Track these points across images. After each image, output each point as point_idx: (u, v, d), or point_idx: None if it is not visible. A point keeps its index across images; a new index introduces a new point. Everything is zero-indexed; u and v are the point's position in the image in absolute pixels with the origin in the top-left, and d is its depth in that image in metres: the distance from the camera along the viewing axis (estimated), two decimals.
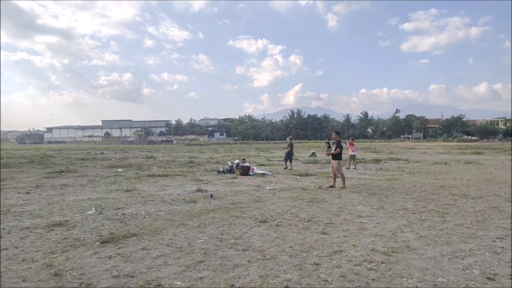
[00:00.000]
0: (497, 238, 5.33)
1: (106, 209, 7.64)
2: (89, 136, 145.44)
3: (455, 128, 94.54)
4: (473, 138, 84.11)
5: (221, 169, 16.50)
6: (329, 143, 14.63)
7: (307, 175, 14.87)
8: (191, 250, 4.88)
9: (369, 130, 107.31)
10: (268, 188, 10.96)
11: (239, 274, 4.04)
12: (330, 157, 11.41)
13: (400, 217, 6.78)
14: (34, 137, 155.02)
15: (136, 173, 15.87)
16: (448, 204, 8.06)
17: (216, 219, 6.70)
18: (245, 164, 15.55)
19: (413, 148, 43.93)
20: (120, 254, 4.74)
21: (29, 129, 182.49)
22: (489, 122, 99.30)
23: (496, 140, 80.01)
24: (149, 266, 4.31)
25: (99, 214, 7.19)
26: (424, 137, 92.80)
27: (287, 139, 19.32)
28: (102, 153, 37.19)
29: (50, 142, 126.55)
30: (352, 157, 19.13)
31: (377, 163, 21.67)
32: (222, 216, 6.89)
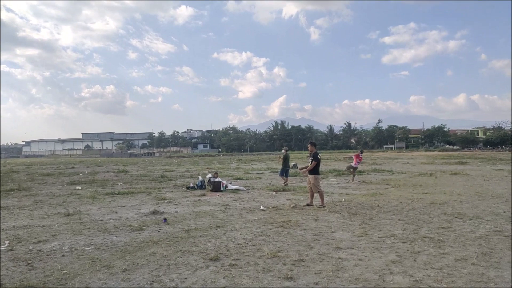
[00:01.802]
0: None
1: (23, 243, 6.08)
2: (68, 150, 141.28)
3: (436, 138, 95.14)
4: (455, 147, 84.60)
5: (191, 185, 15.01)
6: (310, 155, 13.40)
7: (284, 190, 13.51)
8: None
9: (352, 140, 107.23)
10: (236, 207, 9.55)
11: None
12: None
13: (388, 248, 5.45)
14: (11, 151, 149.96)
15: (96, 190, 14.22)
16: (443, 228, 6.78)
17: (155, 256, 5.23)
18: (216, 179, 14.09)
19: (396, 158, 43.21)
20: None
21: (7, 143, 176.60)
22: (469, 131, 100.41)
23: (476, 149, 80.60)
24: None
25: (8, 250, 5.63)
26: (407, 147, 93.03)
27: (283, 150, 17.62)
28: (73, 167, 35.12)
29: (27, 156, 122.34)
30: (352, 168, 17.40)
31: (360, 175, 20.49)
32: (165, 252, 5.43)
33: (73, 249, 5.68)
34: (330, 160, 40.89)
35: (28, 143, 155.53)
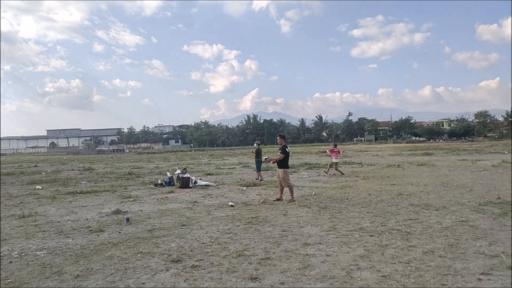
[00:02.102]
0: (481, 274, 4.00)
1: None
2: (32, 148, 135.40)
3: (403, 130, 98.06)
4: (421, 139, 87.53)
5: (159, 182, 14.55)
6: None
7: (254, 185, 13.32)
8: None
9: (324, 133, 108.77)
10: (204, 204, 9.27)
11: None
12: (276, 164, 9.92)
13: (356, 243, 5.34)
14: None
15: (57, 190, 13.51)
16: (410, 219, 6.79)
17: (112, 260, 4.89)
18: (185, 175, 13.72)
19: (366, 151, 44.07)
20: None
21: None
22: (434, 123, 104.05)
23: (441, 140, 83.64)
24: None
25: None
26: (376, 139, 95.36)
27: (254, 144, 16.86)
28: (36, 166, 33.56)
29: None
30: (334, 164, 16.58)
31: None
32: (123, 254, 5.09)
33: (23, 254, 5.24)
34: (302, 154, 41.19)
35: None
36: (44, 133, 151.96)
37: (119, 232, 6.47)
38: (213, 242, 5.62)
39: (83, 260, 4.90)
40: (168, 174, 15.23)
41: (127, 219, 7.44)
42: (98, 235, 6.35)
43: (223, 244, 5.47)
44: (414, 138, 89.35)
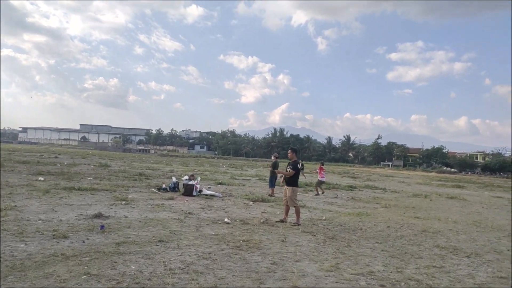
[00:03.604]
0: None
1: None
2: (64, 139, 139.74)
3: (434, 159, 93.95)
4: (452, 170, 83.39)
5: (164, 186, 13.68)
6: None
7: (263, 200, 12.19)
8: None
9: (350, 154, 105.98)
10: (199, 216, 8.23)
11: None
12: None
13: None
14: (7, 136, 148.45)
15: (57, 183, 12.89)
16: (434, 267, 5.48)
17: (49, 279, 3.93)
18: (189, 182, 12.78)
19: (392, 176, 41.90)
20: None
21: (4, 128, 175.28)
22: (468, 155, 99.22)
23: (474, 173, 79.34)
24: None
25: None
26: (404, 165, 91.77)
27: (272, 157, 15.59)
28: (56, 157, 33.74)
29: (20, 142, 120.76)
30: (320, 183, 16.70)
31: (351, 190, 19.21)
32: (66, 274, 4.12)
33: None
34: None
35: (25, 130, 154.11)
36: (77, 127, 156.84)
37: (83, 242, 5.53)
38: (182, 269, 4.55)
39: (13, 276, 3.95)
40: (174, 179, 14.33)
41: (102, 226, 6.51)
42: (58, 242, 5.43)
43: (193, 273, 4.40)
44: (445, 168, 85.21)
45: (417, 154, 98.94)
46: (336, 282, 4.46)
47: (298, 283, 4.29)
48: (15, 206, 8.05)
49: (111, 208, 8.73)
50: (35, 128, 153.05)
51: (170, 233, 6.55)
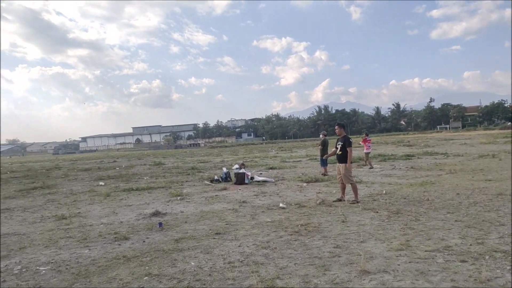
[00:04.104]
0: None
1: None
2: (120, 144, 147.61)
3: (496, 115, 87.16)
4: None
5: (216, 178, 13.76)
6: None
7: (316, 181, 11.82)
8: None
9: (402, 122, 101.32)
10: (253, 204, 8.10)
11: None
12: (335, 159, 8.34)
13: (440, 273, 3.72)
14: (70, 147, 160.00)
15: (116, 186, 13.43)
16: None
17: (112, 284, 3.93)
18: (241, 171, 12.71)
19: (452, 139, 39.36)
20: None
21: (66, 140, 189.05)
22: None
23: None
24: None
25: None
26: (463, 126, 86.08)
27: (320, 135, 15.03)
28: (114, 161, 35.54)
29: (82, 152, 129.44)
30: (366, 155, 16.08)
31: (409, 159, 18.18)
32: (129, 276, 4.11)
33: (24, 270, 4.54)
34: (377, 144, 38.10)
35: (84, 139, 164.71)
36: (130, 131, 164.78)
37: (143, 242, 5.57)
38: (242, 261, 4.39)
39: (80, 282, 4.00)
40: (224, 169, 14.36)
41: (160, 224, 6.56)
42: (119, 244, 5.51)
43: (253, 265, 4.22)
44: (509, 123, 78.71)
45: (475, 113, 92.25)
46: (410, 262, 4.06)
47: (366, 266, 3.95)
48: (79, 212, 8.40)
49: (168, 205, 8.85)
50: (93, 137, 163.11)
51: (226, 224, 6.45)
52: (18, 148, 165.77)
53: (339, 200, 7.99)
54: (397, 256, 4.26)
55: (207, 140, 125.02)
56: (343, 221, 6.10)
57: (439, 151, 22.29)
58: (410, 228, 5.43)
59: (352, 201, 7.73)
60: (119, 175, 18.14)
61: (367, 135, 16.72)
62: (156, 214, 7.61)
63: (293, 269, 4.03)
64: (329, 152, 9.53)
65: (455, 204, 6.99)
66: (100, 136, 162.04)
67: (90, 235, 6.15)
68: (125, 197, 10.63)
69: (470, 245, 4.52)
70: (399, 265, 3.99)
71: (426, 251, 4.39)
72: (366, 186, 10.17)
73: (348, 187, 8.16)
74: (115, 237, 5.90)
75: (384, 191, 8.91)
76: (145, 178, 16.41)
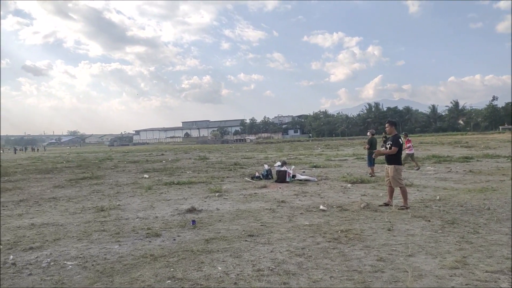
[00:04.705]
0: None
1: (14, 249, 5.14)
2: (170, 137, 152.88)
3: None
4: None
5: (257, 175, 13.49)
6: (386, 137, 10.82)
7: (362, 181, 11.14)
8: None
9: (460, 121, 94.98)
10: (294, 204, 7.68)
11: None
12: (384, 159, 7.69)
13: None
14: (124, 139, 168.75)
15: (159, 179, 13.61)
16: None
17: (133, 285, 3.74)
18: (282, 168, 12.31)
19: None
20: None
21: (121, 132, 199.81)
22: None
23: None
24: None
25: None
26: None
27: (368, 133, 14.62)
28: (162, 154, 36.60)
29: (135, 144, 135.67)
30: (409, 157, 15.21)
31: (468, 162, 16.73)
32: (152, 278, 3.89)
33: (52, 263, 4.50)
34: (432, 144, 35.88)
35: (137, 132, 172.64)
36: (180, 125, 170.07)
37: (174, 240, 5.38)
38: (272, 270, 4.02)
39: (101, 282, 3.86)
40: (266, 166, 14.04)
41: (193, 222, 6.36)
42: (150, 241, 5.37)
43: (284, 275, 3.83)
44: None
45: None
46: (467, 285, 3.46)
47: (414, 286, 3.41)
48: (119, 205, 8.48)
49: (205, 201, 8.69)
50: (145, 130, 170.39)
51: (261, 225, 6.11)
52: (78, 139, 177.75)
53: (386, 204, 7.35)
54: (451, 276, 3.67)
55: (253, 135, 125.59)
56: (389, 229, 5.52)
57: (502, 153, 20.38)
58: (468, 242, 4.75)
59: (401, 206, 7.06)
60: (164, 168, 18.47)
61: (407, 136, 16.12)
62: (191, 210, 7.46)
63: (328, 284, 3.59)
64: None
65: None
66: (152, 130, 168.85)
67: (124, 230, 6.09)
68: (165, 191, 10.66)
69: None
70: (453, 287, 3.41)
71: (486, 271, 3.75)
72: (418, 190, 9.36)
73: (397, 191, 7.49)
74: (147, 233, 5.78)
75: (438, 197, 8.09)
76: (188, 172, 16.54)
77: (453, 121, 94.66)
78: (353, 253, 4.50)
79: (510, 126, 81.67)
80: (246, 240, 5.23)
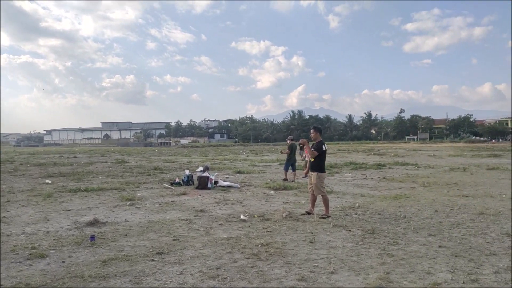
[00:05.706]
0: None
1: None
2: (88, 139, 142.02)
3: (462, 129, 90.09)
4: (482, 138, 79.66)
5: (177, 180, 12.62)
6: (301, 144, 10.74)
7: (284, 188, 10.95)
8: None
9: (372, 131, 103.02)
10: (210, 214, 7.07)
11: None
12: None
13: None
14: (33, 140, 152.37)
15: (63, 186, 12.03)
16: None
17: None
18: (203, 174, 11.64)
19: (420, 150, 39.77)
20: None
21: (30, 132, 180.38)
22: (497, 122, 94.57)
23: (500, 141, 75.38)
24: None
25: None
26: (430, 138, 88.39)
27: (287, 140, 14.66)
28: (74, 157, 33.43)
29: (46, 145, 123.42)
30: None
31: (381, 169, 17.68)
32: None
33: None
34: (348, 152, 37.93)
35: (49, 132, 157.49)
36: (99, 126, 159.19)
37: (62, 262, 4.44)
38: None
39: None
40: (187, 172, 13.23)
41: (92, 237, 5.42)
42: (31, 264, 4.36)
43: None
44: (474, 137, 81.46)
45: (443, 125, 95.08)
46: None
47: None
48: (4, 217, 7.09)
49: (113, 211, 7.68)
50: (59, 130, 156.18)
51: (174, 239, 5.40)
52: None
53: (308, 213, 7.11)
54: None
55: (178, 139, 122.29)
56: (311, 242, 5.20)
57: (409, 161, 22.05)
58: (389, 255, 4.59)
59: (322, 215, 6.86)
60: (72, 173, 16.59)
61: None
62: (93, 223, 6.44)
63: None
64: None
65: (435, 224, 6.26)
66: (67, 130, 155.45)
67: (1, 249, 4.94)
68: (68, 199, 9.33)
69: (463, 282, 3.70)
70: None
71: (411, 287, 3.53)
72: (337, 197, 9.38)
73: (319, 198, 7.30)
74: (30, 254, 4.73)
75: (357, 204, 8.11)
76: (100, 177, 15.01)
77: (367, 130, 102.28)
78: (273, 271, 4.04)
79: (414, 137, 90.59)
80: (153, 260, 4.50)
